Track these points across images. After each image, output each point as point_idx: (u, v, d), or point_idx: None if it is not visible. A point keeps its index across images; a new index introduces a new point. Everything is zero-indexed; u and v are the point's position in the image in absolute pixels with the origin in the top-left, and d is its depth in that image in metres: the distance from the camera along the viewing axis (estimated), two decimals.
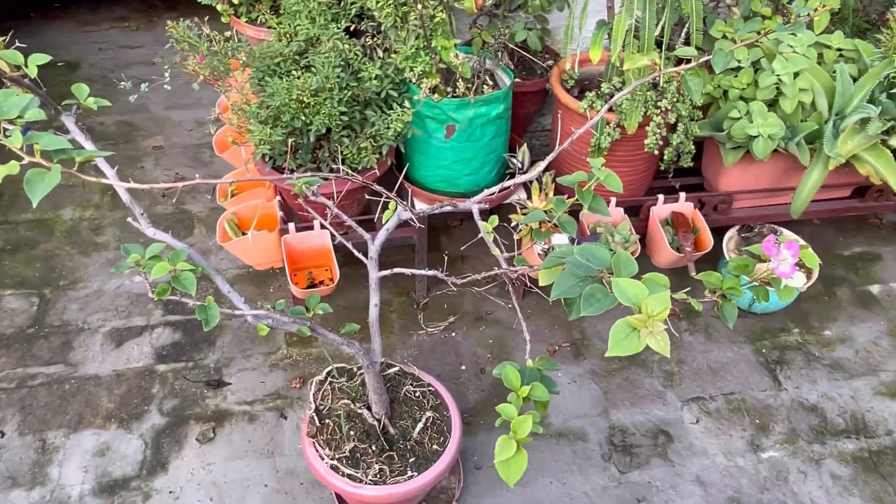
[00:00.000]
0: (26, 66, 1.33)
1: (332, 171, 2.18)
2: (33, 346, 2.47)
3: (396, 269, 1.68)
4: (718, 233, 2.61)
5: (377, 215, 2.49)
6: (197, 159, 3.29)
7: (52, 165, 1.09)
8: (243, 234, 2.39)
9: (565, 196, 1.44)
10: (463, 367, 2.47)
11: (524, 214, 2.18)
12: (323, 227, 2.31)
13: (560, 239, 2.30)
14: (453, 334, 2.59)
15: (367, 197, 2.44)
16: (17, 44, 1.42)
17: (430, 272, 1.60)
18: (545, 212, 1.46)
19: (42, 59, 1.35)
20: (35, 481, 2.10)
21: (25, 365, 2.41)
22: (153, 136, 3.47)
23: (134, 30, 4.38)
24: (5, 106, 1.10)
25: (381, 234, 1.65)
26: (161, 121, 3.57)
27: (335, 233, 1.73)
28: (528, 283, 2.35)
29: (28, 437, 2.21)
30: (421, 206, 2.47)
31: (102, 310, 2.61)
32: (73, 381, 2.37)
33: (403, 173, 1.89)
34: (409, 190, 2.49)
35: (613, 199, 2.47)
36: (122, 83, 2.22)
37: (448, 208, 1.56)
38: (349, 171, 1.57)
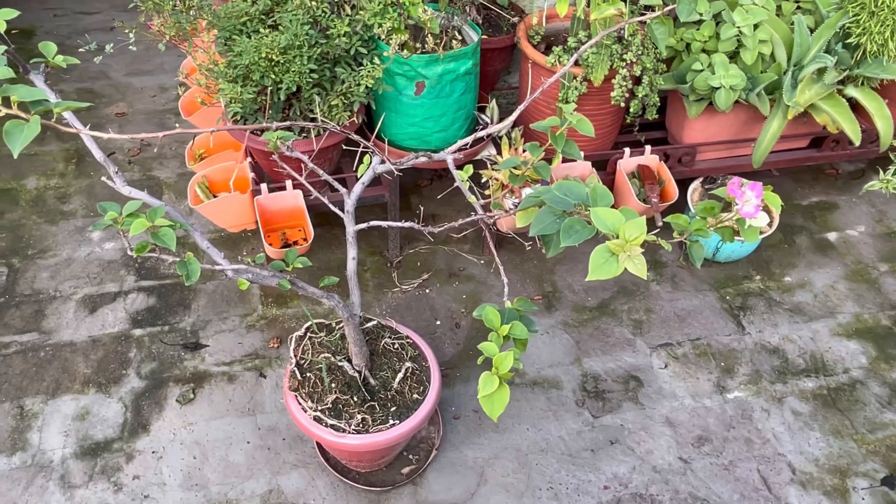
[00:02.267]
0: None
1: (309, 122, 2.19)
2: (5, 315, 2.45)
3: (374, 223, 1.70)
4: (683, 185, 2.67)
5: (348, 174, 2.50)
6: (162, 125, 3.25)
7: (31, 116, 1.09)
8: (214, 196, 2.39)
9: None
10: (438, 323, 2.52)
11: (495, 170, 2.23)
12: (296, 186, 2.32)
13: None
14: (427, 291, 2.63)
15: (337, 156, 2.45)
16: None
17: (407, 224, 1.63)
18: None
19: (10, 13, 1.33)
20: (15, 447, 2.10)
21: None
22: (115, 102, 3.41)
23: None
24: None
25: (358, 188, 1.67)
26: (122, 87, 3.51)
27: (312, 189, 1.75)
28: (500, 232, 2.39)
29: (5, 405, 2.20)
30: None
31: (73, 277, 2.60)
32: (48, 349, 2.36)
33: (377, 129, 1.90)
34: (380, 149, 2.50)
35: (581, 154, 2.51)
36: (87, 45, 2.19)
37: (423, 159, 1.59)
38: (327, 121, 1.58)
